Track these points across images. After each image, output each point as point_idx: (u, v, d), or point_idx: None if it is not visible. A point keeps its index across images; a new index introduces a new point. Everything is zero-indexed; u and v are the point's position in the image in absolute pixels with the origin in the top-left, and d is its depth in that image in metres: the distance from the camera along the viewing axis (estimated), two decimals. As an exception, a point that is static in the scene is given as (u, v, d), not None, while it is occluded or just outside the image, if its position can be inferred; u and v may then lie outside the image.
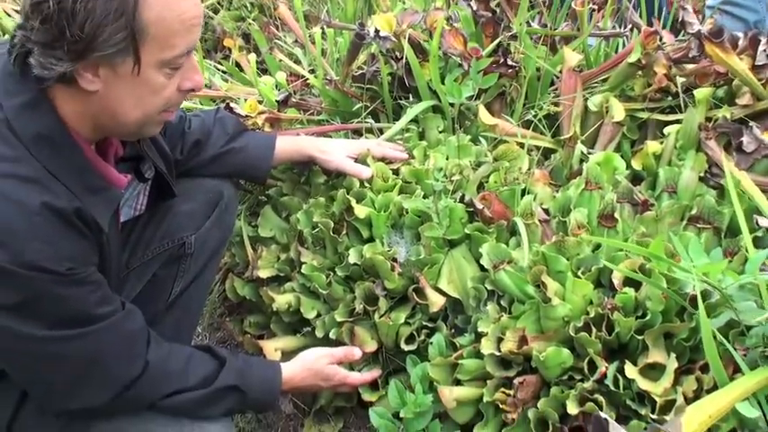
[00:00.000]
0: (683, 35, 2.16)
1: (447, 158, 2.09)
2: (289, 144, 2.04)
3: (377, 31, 2.19)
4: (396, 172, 2.08)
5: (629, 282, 1.62)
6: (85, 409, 1.45)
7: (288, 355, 1.95)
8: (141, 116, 1.38)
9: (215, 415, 1.57)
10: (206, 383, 1.54)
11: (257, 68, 2.56)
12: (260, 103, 2.24)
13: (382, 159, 2.09)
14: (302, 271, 1.98)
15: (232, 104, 2.12)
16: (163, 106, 1.40)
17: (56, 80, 1.28)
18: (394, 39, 2.21)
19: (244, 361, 1.65)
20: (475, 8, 2.33)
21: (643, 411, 1.47)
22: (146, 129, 1.45)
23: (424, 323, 1.85)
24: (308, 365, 1.76)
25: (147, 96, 1.36)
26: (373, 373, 1.87)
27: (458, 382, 1.70)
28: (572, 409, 1.50)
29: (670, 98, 2.15)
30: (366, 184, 2.03)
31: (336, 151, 2.04)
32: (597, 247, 1.76)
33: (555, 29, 2.43)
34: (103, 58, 1.26)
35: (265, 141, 2.01)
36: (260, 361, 1.75)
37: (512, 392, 1.59)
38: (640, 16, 2.48)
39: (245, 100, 2.26)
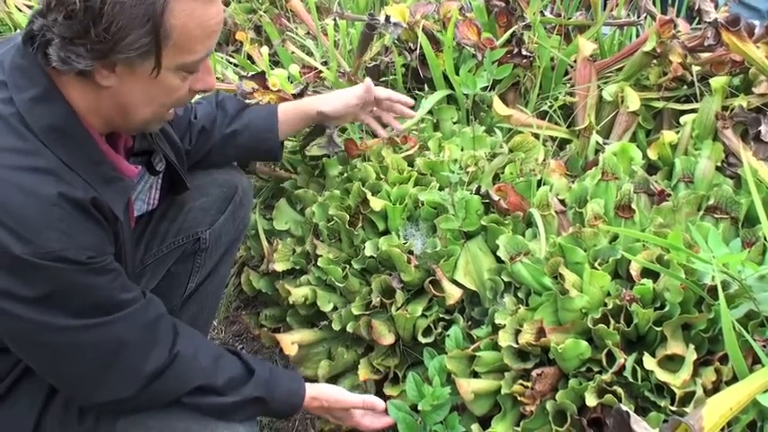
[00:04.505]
0: (698, 23, 2.14)
1: (462, 150, 2.08)
2: (290, 108, 2.02)
3: (387, 18, 2.17)
4: (411, 164, 2.08)
5: (646, 273, 1.62)
6: (113, 401, 1.44)
7: (304, 348, 1.96)
8: (150, 114, 1.40)
9: (237, 420, 1.56)
10: (232, 386, 1.52)
11: (269, 61, 2.55)
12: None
13: (388, 100, 2.06)
14: (318, 264, 1.98)
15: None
16: (172, 105, 1.43)
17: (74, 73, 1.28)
18: (404, 25, 2.20)
19: (270, 372, 1.62)
20: (488, -2, 2.33)
21: (662, 403, 1.46)
22: (151, 125, 1.47)
23: (441, 315, 1.85)
24: (327, 403, 1.70)
25: (159, 96, 1.37)
26: (384, 423, 1.77)
27: (475, 375, 1.70)
28: (590, 401, 1.50)
29: (686, 87, 2.13)
30: (381, 176, 2.02)
31: (340, 100, 2.02)
32: (614, 237, 1.75)
33: (569, 18, 2.41)
34: (125, 60, 1.26)
35: (267, 113, 1.98)
36: (286, 374, 1.71)
37: (530, 384, 1.58)
38: (654, 4, 2.46)
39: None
